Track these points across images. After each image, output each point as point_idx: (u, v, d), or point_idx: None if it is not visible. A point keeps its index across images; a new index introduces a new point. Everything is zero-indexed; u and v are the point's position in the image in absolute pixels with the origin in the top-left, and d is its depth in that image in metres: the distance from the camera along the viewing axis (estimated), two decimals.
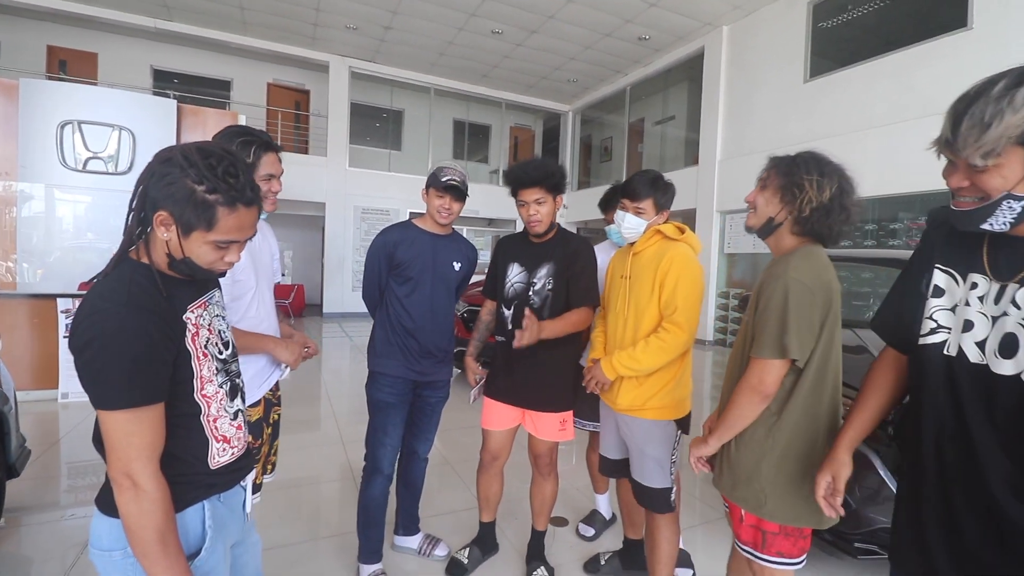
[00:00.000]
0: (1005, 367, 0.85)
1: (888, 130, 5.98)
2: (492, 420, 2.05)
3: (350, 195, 10.37)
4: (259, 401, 1.57)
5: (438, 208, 1.98)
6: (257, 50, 9.78)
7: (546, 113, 13.24)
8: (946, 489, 0.93)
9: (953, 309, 0.95)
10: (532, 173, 1.87)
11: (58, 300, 4.36)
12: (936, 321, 0.97)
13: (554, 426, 1.97)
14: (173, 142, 4.57)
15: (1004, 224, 0.85)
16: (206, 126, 5.42)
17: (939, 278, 0.98)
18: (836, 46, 6.86)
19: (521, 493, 2.39)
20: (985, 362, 0.88)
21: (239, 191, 0.91)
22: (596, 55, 9.63)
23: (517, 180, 1.90)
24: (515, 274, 2.00)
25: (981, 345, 0.90)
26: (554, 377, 1.97)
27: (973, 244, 0.94)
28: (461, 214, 2.10)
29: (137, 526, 0.83)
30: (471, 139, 12.93)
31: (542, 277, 1.94)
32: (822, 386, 1.30)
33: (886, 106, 6.08)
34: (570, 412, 2.02)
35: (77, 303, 2.47)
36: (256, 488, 1.56)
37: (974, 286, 0.93)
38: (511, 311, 1.98)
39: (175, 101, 5.45)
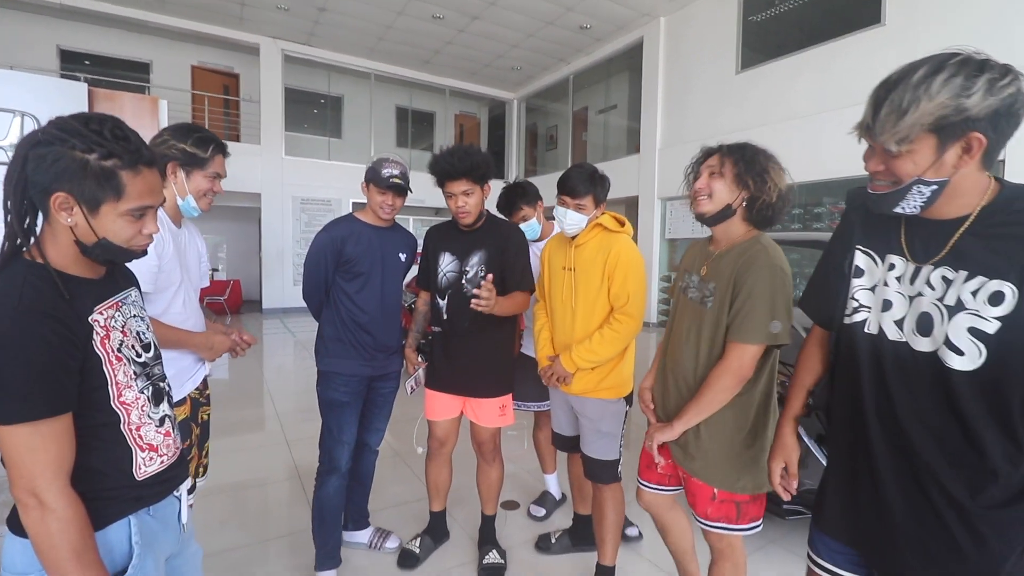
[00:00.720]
0: (922, 344, 0.89)
1: (811, 119, 6.35)
2: (435, 411, 2.06)
3: (287, 185, 9.91)
4: (184, 399, 1.49)
5: (380, 204, 1.95)
6: (179, 30, 9.09)
7: (491, 101, 13.13)
8: (873, 460, 0.97)
9: (873, 289, 0.99)
10: (457, 165, 1.84)
11: None
12: (858, 300, 1.01)
13: (494, 412, 2.01)
14: None
15: (915, 208, 0.89)
16: (123, 112, 5.01)
17: (860, 259, 1.02)
18: (764, 39, 7.19)
19: (468, 481, 2.40)
20: (905, 339, 0.92)
21: (136, 151, 0.84)
22: (539, 43, 9.63)
23: (443, 172, 1.87)
24: (447, 263, 2.00)
25: (900, 323, 0.93)
26: (491, 363, 2.00)
27: (891, 226, 0.97)
28: (407, 203, 2.07)
29: (48, 547, 0.77)
30: (415, 126, 12.65)
31: (474, 265, 1.95)
32: (775, 361, 1.40)
33: (809, 97, 6.45)
34: (509, 396, 2.06)
35: None
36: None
37: (892, 267, 0.96)
38: (445, 301, 1.98)
39: (86, 84, 5.00)
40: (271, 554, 2.19)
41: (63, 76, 7.56)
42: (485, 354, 1.98)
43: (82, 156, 0.79)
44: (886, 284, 0.96)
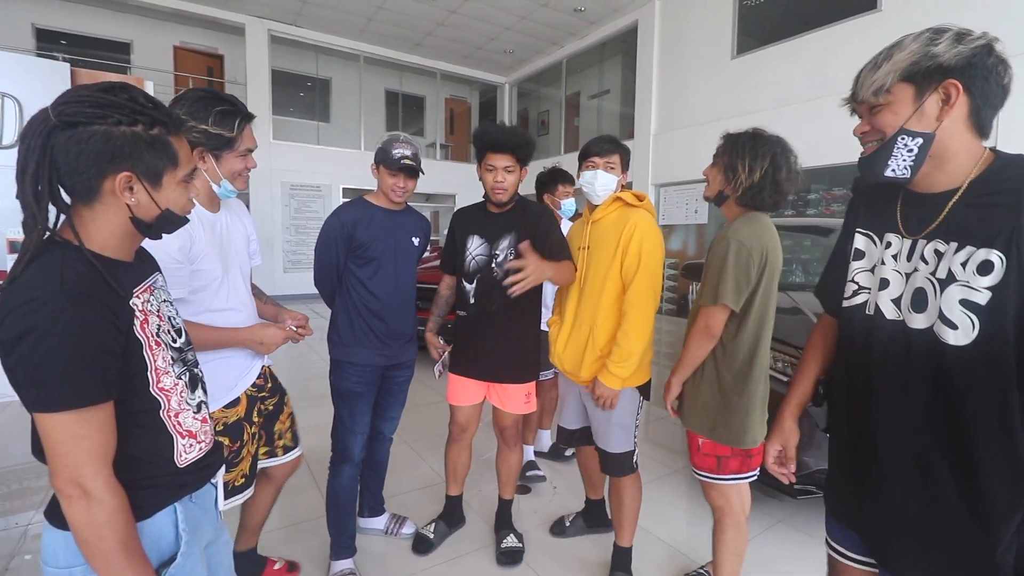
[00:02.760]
0: (918, 321, 0.88)
1: (807, 106, 6.37)
2: (459, 396, 2.03)
3: (275, 170, 9.71)
4: (238, 399, 1.43)
5: (392, 187, 1.89)
6: (161, 8, 8.77)
7: (482, 85, 12.96)
8: (872, 444, 0.96)
9: (872, 270, 0.99)
10: (510, 138, 1.82)
11: None
12: (857, 283, 1.01)
13: (520, 398, 1.99)
14: None
15: (905, 169, 0.89)
16: None
17: (859, 241, 1.03)
18: (760, 24, 7.16)
19: (478, 467, 2.41)
20: (901, 318, 0.91)
21: (171, 115, 0.82)
22: (532, 26, 9.49)
23: (492, 142, 1.83)
24: (476, 246, 1.96)
25: (897, 302, 0.93)
26: (519, 348, 1.97)
27: (889, 205, 0.98)
28: None
29: (95, 539, 0.74)
30: (405, 111, 12.44)
31: (504, 248, 1.91)
32: (761, 329, 1.54)
33: (805, 83, 6.46)
34: (534, 383, 2.04)
35: None
36: (228, 492, 1.44)
37: (888, 245, 0.96)
38: (473, 285, 1.95)
39: (67, 64, 4.81)
40: (285, 542, 2.17)
41: (39, 55, 7.27)
42: (513, 339, 1.95)
43: (131, 130, 0.75)
44: (883, 263, 0.96)
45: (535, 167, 2.69)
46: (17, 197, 0.74)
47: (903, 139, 0.87)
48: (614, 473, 1.86)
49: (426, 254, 2.30)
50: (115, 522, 0.75)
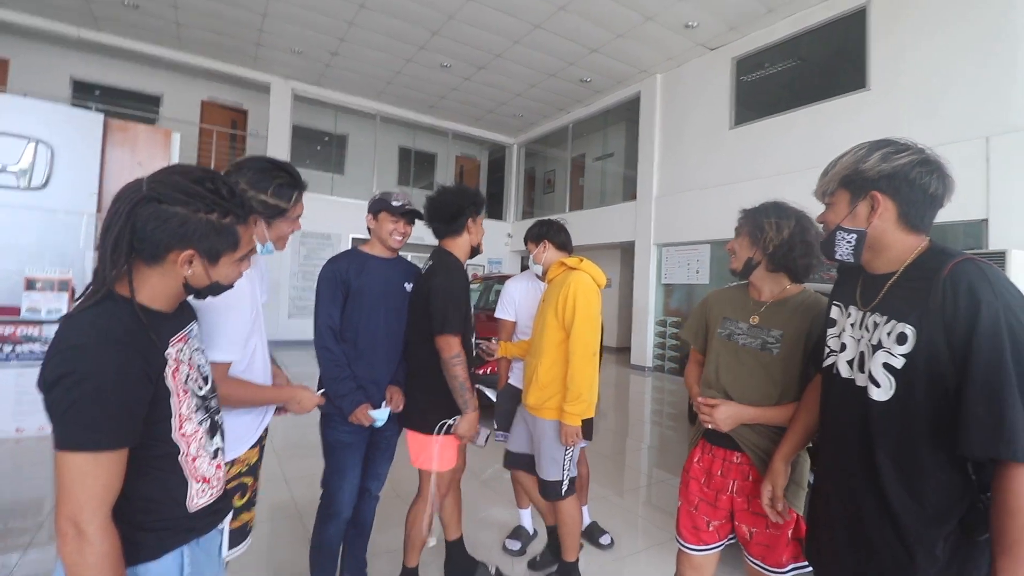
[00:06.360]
0: (860, 379, 1.05)
1: (800, 175, 6.61)
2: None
3: None
4: (256, 442, 1.48)
5: (391, 232, 1.96)
6: (192, 66, 9.37)
7: (491, 144, 13.52)
8: (825, 489, 1.15)
9: (839, 335, 1.15)
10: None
11: None
12: (829, 347, 1.18)
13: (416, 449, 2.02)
14: (97, 159, 4.27)
15: (848, 255, 1.08)
16: (136, 143, 5.08)
17: (833, 311, 1.19)
18: (757, 98, 7.58)
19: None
20: (852, 376, 1.08)
21: (244, 207, 0.93)
22: (540, 93, 10.04)
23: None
24: None
25: (850, 363, 1.09)
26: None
27: (854, 281, 1.15)
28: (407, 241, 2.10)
29: None
30: (417, 166, 12.95)
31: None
32: None
33: (799, 154, 6.76)
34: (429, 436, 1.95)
35: None
36: (245, 533, 1.45)
37: (849, 315, 1.13)
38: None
39: (102, 115, 5.11)
40: None
41: (74, 105, 7.70)
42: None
43: (205, 217, 0.86)
44: (844, 330, 1.14)
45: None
46: (96, 249, 0.84)
47: (841, 234, 1.08)
48: (547, 497, 2.11)
49: None
50: (103, 567, 0.77)
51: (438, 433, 1.92)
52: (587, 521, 2.79)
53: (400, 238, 1.99)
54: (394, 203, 1.94)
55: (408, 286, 2.08)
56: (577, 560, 2.17)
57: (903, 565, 0.95)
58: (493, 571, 2.32)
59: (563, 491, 2.05)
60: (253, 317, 1.42)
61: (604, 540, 2.69)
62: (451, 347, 1.85)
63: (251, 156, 1.44)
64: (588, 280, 2.07)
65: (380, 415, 1.86)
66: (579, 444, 2.04)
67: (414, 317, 1.98)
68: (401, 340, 2.04)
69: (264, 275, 1.70)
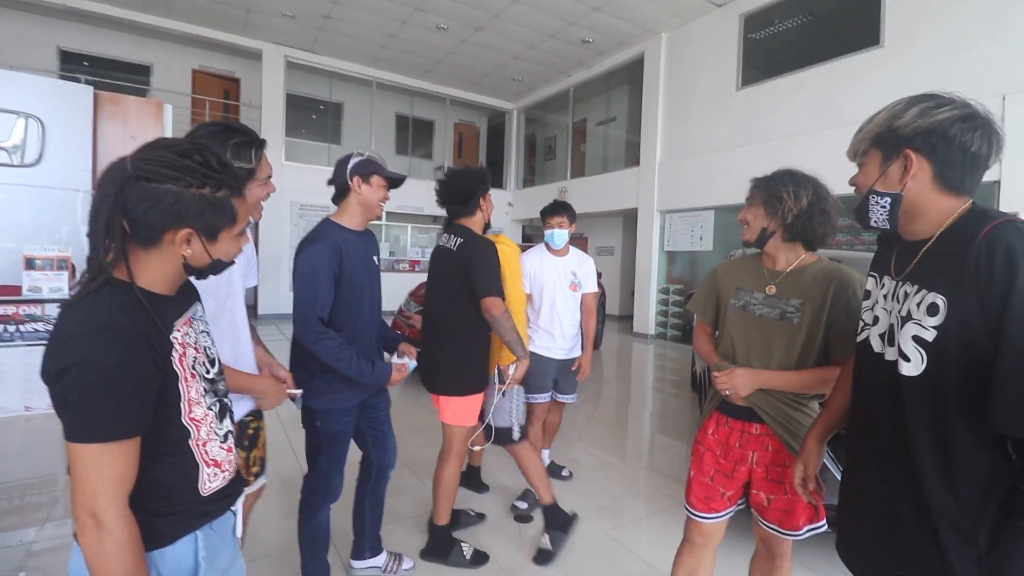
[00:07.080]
0: (890, 354, 0.98)
1: (810, 137, 6.47)
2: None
3: (286, 190, 9.85)
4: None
5: (381, 200, 1.85)
6: (182, 34, 9.09)
7: (491, 110, 13.23)
8: (864, 470, 1.07)
9: (872, 307, 1.09)
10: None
11: None
12: (864, 320, 1.11)
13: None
14: (88, 133, 4.17)
15: (883, 221, 1.00)
16: (127, 115, 4.96)
17: (869, 283, 1.13)
18: (764, 57, 7.34)
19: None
20: (882, 351, 1.01)
21: (236, 177, 0.89)
22: (540, 55, 9.74)
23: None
24: None
25: (882, 337, 1.02)
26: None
27: (890, 250, 1.08)
28: (404, 211, 2.07)
29: (102, 570, 0.77)
30: (415, 134, 12.69)
31: None
32: None
33: (808, 115, 6.58)
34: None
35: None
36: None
37: (883, 286, 1.06)
38: None
39: (91, 87, 4.97)
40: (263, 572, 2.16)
41: (62, 76, 7.50)
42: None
43: (199, 193, 0.82)
44: (878, 301, 1.07)
45: (541, 190, 2.71)
46: (88, 236, 0.80)
47: (875, 198, 1.00)
48: (499, 442, 2.32)
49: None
50: (123, 554, 0.77)
51: (499, 380, 2.25)
52: (547, 462, 3.11)
53: (382, 208, 1.90)
54: (388, 168, 1.85)
55: (376, 259, 1.97)
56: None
57: (940, 552, 0.89)
58: (472, 514, 2.60)
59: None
60: (215, 305, 1.36)
61: (564, 472, 3.11)
62: (498, 306, 2.04)
63: (199, 123, 1.37)
64: (502, 248, 2.29)
65: (411, 363, 1.92)
66: (520, 392, 2.33)
67: (449, 290, 2.15)
68: (378, 318, 1.97)
69: (251, 258, 1.63)
